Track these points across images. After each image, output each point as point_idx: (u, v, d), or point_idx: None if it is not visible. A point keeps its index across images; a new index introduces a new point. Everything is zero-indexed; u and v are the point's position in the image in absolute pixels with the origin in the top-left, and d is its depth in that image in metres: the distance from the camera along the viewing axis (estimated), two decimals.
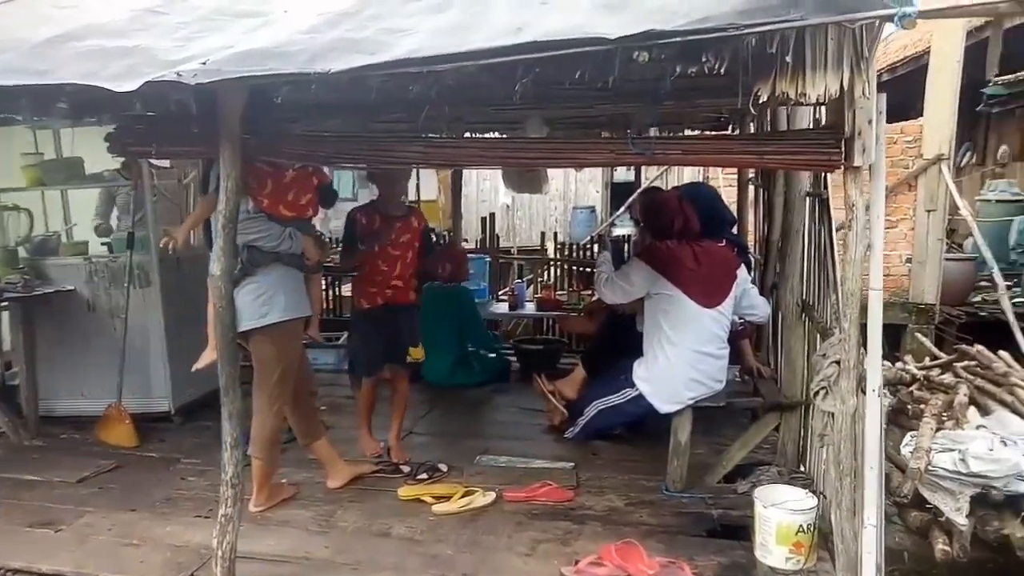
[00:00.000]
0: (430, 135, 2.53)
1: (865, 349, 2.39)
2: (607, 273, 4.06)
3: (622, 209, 13.40)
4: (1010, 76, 9.83)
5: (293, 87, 2.28)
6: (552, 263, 7.86)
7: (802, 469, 3.73)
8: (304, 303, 3.44)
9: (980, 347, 4.93)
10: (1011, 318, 6.38)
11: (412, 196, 16.57)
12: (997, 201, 9.95)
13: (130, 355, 4.63)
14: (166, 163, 4.95)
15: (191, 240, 4.07)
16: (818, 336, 3.51)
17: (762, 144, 2.33)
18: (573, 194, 14.77)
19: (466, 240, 11.62)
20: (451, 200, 6.64)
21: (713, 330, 3.74)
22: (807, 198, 3.68)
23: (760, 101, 2.12)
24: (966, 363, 4.94)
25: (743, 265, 4.03)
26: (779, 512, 2.82)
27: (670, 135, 2.36)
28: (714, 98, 2.56)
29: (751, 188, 6.12)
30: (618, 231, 13.52)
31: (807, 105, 2.32)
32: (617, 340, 4.45)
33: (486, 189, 14.04)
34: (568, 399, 4.49)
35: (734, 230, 4.72)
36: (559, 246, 8.77)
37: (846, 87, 2.07)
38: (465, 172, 14.64)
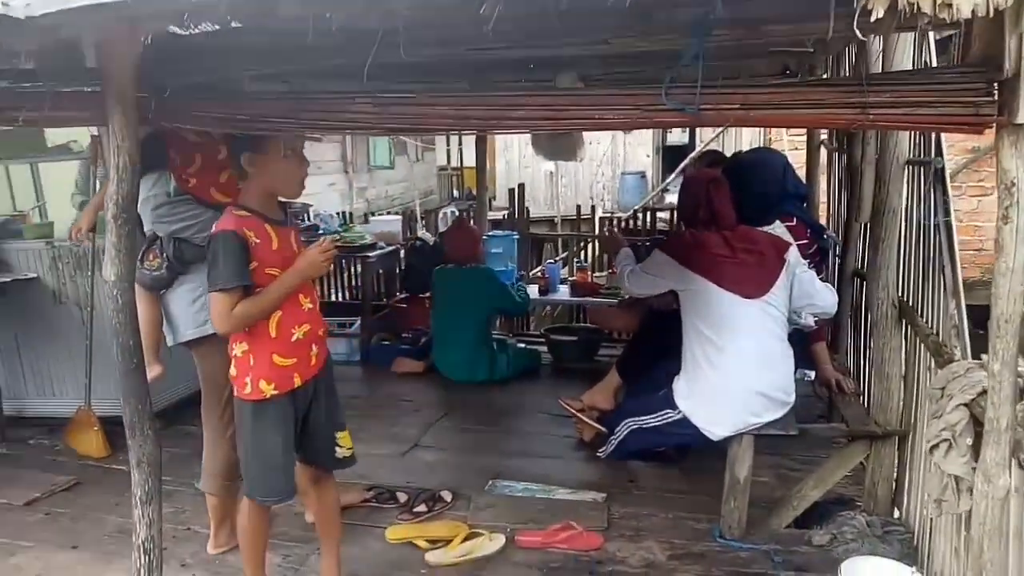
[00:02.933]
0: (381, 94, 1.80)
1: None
2: (631, 265, 3.33)
3: (674, 175, 12.46)
4: None
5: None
6: (590, 239, 7.03)
7: (897, 515, 2.94)
8: None
9: None
10: None
11: (454, 163, 15.93)
12: None
13: (99, 351, 4.04)
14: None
15: None
16: (923, 349, 2.69)
17: (867, 93, 1.52)
18: (622, 159, 13.85)
19: (507, 209, 10.90)
20: (476, 168, 5.87)
21: (768, 326, 2.92)
22: (909, 167, 2.82)
23: (873, 20, 1.31)
24: None
25: (801, 248, 3.16)
26: None
27: (721, 84, 1.56)
28: (788, 24, 1.73)
29: (823, 151, 5.23)
30: (671, 198, 12.60)
31: (938, 28, 1.48)
32: (658, 338, 3.68)
33: (528, 155, 13.18)
34: (602, 410, 3.74)
35: (804, 205, 3.86)
36: (605, 216, 7.93)
37: None
38: (504, 137, 13.93)
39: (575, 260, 6.44)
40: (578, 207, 8.10)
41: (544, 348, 5.32)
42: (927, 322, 2.65)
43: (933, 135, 2.53)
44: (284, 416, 2.27)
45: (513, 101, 1.71)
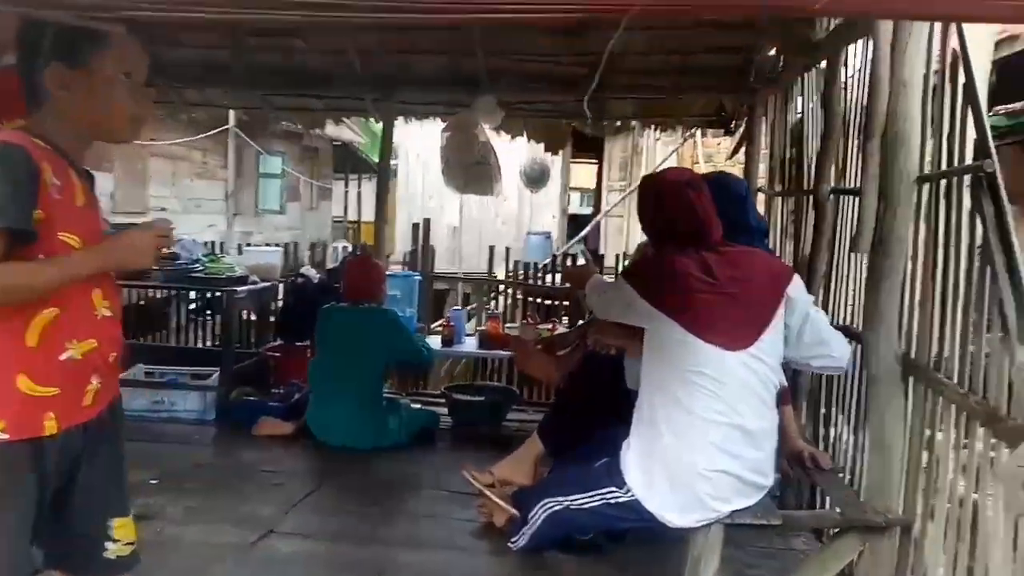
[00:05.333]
0: None
1: None
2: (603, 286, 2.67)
3: (578, 237, 12.15)
4: (1017, 104, 8.85)
5: None
6: (503, 287, 6.34)
7: None
8: None
9: None
10: None
11: (352, 215, 15.13)
12: None
13: None
14: None
15: None
16: (940, 416, 2.09)
17: None
18: (528, 219, 13.47)
19: (404, 264, 10.11)
20: (377, 186, 5.11)
21: (749, 384, 2.24)
22: (924, 184, 2.28)
23: None
24: None
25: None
26: None
27: None
28: None
29: (760, 197, 4.81)
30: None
31: None
32: (593, 399, 2.97)
33: (431, 208, 12.57)
34: (519, 486, 2.96)
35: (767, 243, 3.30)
36: (511, 270, 7.30)
37: None
38: (405, 187, 13.31)
39: (485, 309, 5.70)
40: (491, 247, 7.37)
41: (444, 410, 4.50)
42: (955, 380, 2.06)
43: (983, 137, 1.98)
44: (16, 479, 1.36)
45: None
